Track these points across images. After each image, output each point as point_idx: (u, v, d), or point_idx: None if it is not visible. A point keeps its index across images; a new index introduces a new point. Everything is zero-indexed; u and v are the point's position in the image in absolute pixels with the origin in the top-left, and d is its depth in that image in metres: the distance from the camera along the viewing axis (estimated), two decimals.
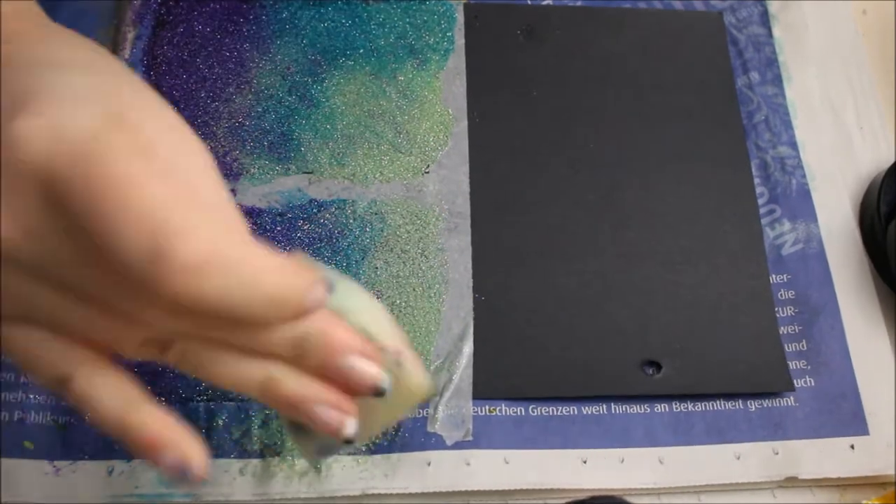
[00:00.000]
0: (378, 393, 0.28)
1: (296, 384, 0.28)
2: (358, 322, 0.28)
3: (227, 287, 0.24)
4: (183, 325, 0.26)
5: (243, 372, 0.28)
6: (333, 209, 0.44)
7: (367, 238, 0.44)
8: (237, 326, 0.26)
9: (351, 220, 0.44)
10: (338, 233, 0.44)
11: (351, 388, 0.28)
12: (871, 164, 0.49)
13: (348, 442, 0.29)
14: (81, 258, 0.25)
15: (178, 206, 0.24)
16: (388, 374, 0.28)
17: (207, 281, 0.24)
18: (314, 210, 0.44)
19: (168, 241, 0.23)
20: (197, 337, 0.27)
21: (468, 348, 0.42)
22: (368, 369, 0.28)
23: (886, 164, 0.47)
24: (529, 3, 0.51)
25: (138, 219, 0.23)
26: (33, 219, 0.24)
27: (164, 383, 0.40)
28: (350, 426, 0.28)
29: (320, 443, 0.31)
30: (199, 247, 0.24)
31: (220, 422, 0.40)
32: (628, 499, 0.38)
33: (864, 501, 0.41)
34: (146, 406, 0.28)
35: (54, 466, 0.38)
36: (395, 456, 0.39)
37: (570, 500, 0.38)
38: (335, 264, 0.43)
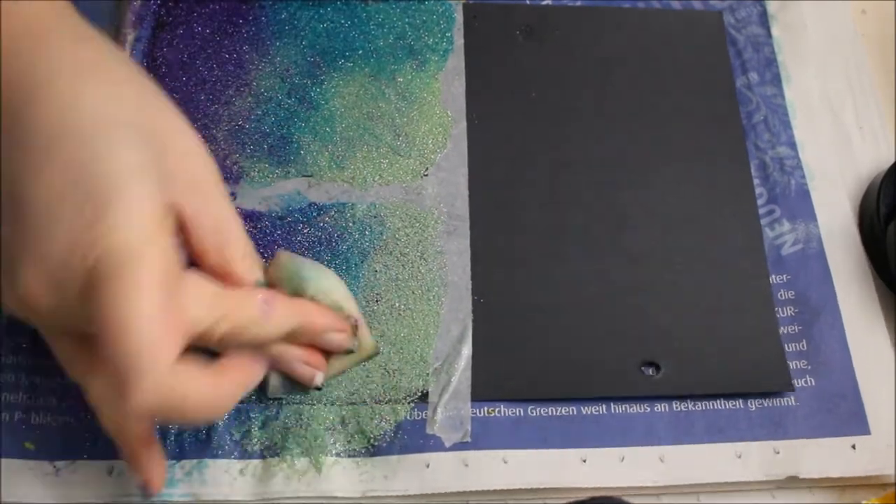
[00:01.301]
0: (348, 352, 0.39)
1: (283, 348, 0.37)
2: (331, 300, 0.38)
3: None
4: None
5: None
6: (333, 212, 0.44)
7: (366, 241, 0.44)
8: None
9: (350, 224, 0.44)
10: (337, 236, 0.44)
11: (328, 350, 0.38)
12: (871, 164, 0.48)
13: (317, 389, 0.39)
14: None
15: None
16: (353, 339, 0.39)
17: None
18: (314, 213, 0.44)
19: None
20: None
21: (467, 350, 0.42)
22: (341, 339, 0.38)
23: (886, 164, 0.47)
24: (528, 3, 0.51)
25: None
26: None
27: None
28: (319, 378, 0.38)
29: (287, 382, 0.39)
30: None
31: (221, 422, 0.40)
32: (628, 498, 0.38)
33: (863, 502, 0.41)
34: (138, 421, 0.34)
35: (54, 467, 0.39)
36: (394, 458, 0.39)
37: (569, 499, 0.38)
38: (334, 268, 0.43)
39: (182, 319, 0.31)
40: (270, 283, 0.37)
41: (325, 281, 0.38)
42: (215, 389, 0.32)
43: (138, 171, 0.31)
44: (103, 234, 0.30)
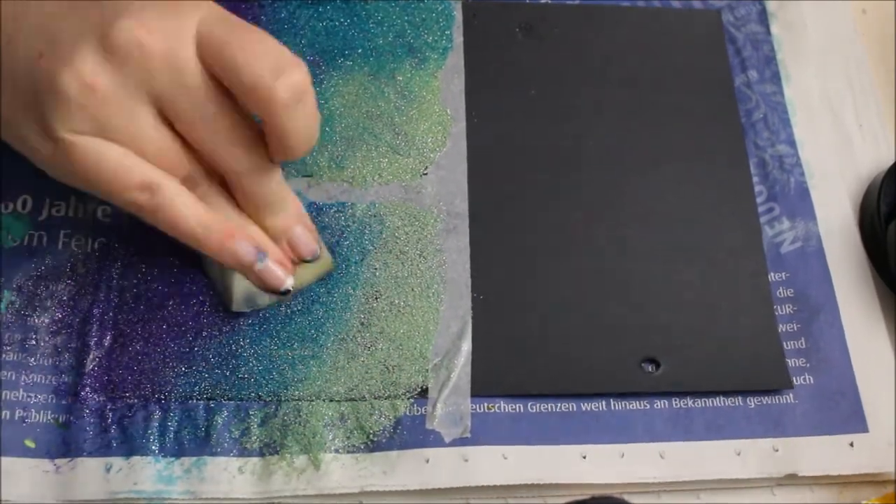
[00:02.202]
0: (314, 259, 0.40)
1: (264, 239, 0.38)
2: None
3: (307, 118, 0.34)
4: (236, 164, 0.36)
5: (230, 220, 0.37)
6: (333, 212, 0.44)
7: (365, 240, 0.44)
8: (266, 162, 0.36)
9: (350, 223, 0.44)
10: (337, 235, 0.44)
11: (297, 253, 0.40)
12: (871, 163, 0.49)
13: (284, 293, 0.38)
14: (202, 96, 0.33)
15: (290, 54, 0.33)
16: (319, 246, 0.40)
17: (303, 105, 0.34)
18: (314, 213, 0.44)
19: (289, 67, 0.33)
20: (218, 186, 0.37)
21: (466, 346, 0.42)
22: (312, 240, 0.40)
23: (886, 163, 0.47)
24: (528, 1, 0.51)
25: (268, 52, 0.33)
26: (182, 58, 0.33)
27: (164, 381, 0.40)
28: (290, 281, 0.38)
29: (252, 292, 0.40)
30: (303, 80, 0.33)
31: (220, 420, 0.40)
32: (628, 495, 0.38)
33: (863, 501, 0.41)
34: (220, 215, 0.37)
35: (54, 464, 0.39)
36: (393, 453, 0.39)
37: (569, 496, 0.38)
38: (334, 266, 0.43)
39: None
40: None
41: None
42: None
43: None
44: None
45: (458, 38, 0.49)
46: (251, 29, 0.34)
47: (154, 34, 0.32)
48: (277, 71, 0.32)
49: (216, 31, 0.33)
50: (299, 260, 0.40)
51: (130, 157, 0.33)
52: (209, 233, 0.36)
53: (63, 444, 0.39)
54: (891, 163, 0.47)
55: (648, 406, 0.42)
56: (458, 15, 0.50)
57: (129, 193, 0.34)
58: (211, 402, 0.40)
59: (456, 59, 0.49)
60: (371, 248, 0.44)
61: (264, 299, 0.41)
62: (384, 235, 0.44)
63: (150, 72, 0.32)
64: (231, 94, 0.34)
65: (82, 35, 0.32)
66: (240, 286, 0.40)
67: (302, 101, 0.33)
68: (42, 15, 0.33)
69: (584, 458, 0.40)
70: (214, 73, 0.33)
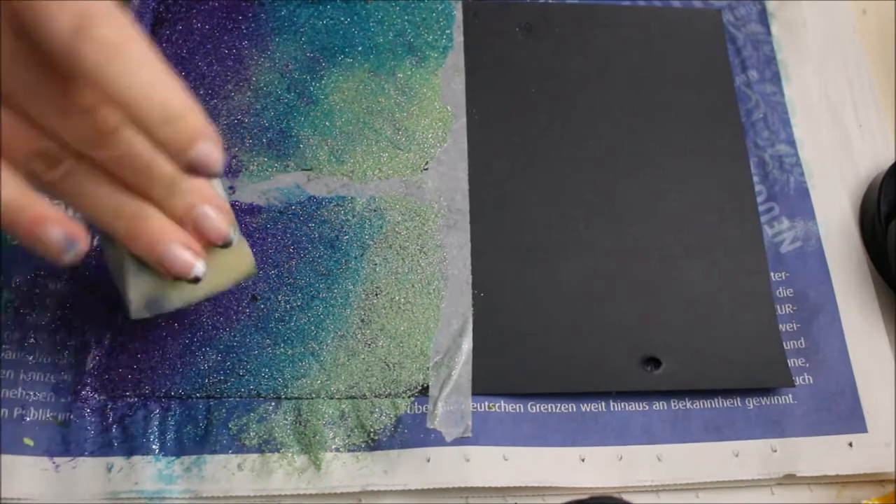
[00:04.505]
0: (226, 244, 0.34)
1: (160, 222, 0.33)
2: (217, 189, 0.35)
3: (131, 76, 0.27)
4: (80, 134, 0.30)
5: (117, 203, 0.32)
6: (332, 206, 0.44)
7: (365, 235, 0.44)
8: (127, 139, 0.30)
9: (350, 217, 0.44)
10: (337, 230, 0.44)
11: (204, 236, 0.34)
12: (871, 163, 0.49)
13: (194, 281, 0.34)
14: (13, 56, 0.28)
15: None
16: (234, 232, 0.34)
17: (116, 63, 0.27)
18: (313, 207, 0.44)
19: (90, 19, 0.26)
20: (84, 161, 0.31)
21: (467, 344, 0.42)
22: (223, 221, 0.34)
23: (885, 163, 0.47)
24: (528, 0, 0.51)
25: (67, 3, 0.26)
26: None
27: (164, 380, 0.40)
28: (199, 267, 0.33)
29: (153, 294, 0.35)
30: (116, 31, 0.27)
31: (219, 418, 0.40)
32: (627, 496, 0.38)
33: (863, 501, 0.41)
34: (35, 195, 0.30)
35: (54, 463, 0.38)
36: (394, 452, 0.39)
37: (568, 497, 0.38)
38: (334, 261, 0.43)
39: None
40: None
41: None
42: None
43: None
44: None
45: (459, 38, 0.49)
46: None
47: None
48: (78, 24, 0.27)
49: None
50: (209, 245, 0.35)
51: None
52: (19, 215, 0.30)
53: (63, 442, 0.39)
54: (891, 163, 0.47)
55: (647, 407, 0.42)
56: (459, 14, 0.50)
57: None
58: (211, 400, 0.40)
59: (456, 58, 0.49)
60: (371, 242, 0.43)
61: (170, 301, 0.36)
62: (384, 230, 0.44)
63: None
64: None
65: None
66: (137, 288, 0.35)
67: (111, 56, 0.27)
68: None
69: (583, 460, 0.40)
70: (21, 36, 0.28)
